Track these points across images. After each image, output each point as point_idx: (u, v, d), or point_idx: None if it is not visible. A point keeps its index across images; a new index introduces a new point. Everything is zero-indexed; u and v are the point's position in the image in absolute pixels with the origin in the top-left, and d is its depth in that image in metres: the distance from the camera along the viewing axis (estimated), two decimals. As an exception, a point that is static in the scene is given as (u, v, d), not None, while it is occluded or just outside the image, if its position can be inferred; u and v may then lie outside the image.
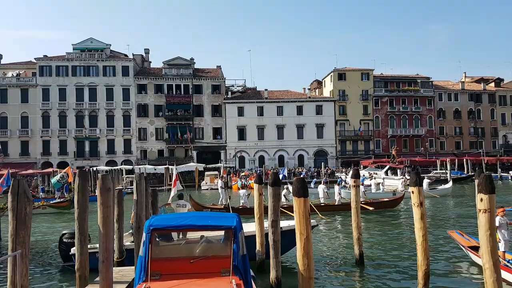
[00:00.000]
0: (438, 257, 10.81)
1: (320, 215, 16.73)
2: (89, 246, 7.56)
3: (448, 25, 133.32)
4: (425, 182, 29.18)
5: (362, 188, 22.02)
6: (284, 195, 20.65)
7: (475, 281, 8.85)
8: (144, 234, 5.58)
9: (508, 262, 8.41)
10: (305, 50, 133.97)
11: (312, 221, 8.30)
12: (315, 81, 69.51)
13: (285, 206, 17.47)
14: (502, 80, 66.00)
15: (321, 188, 21.99)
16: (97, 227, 6.85)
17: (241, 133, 56.58)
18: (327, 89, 62.34)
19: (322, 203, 20.65)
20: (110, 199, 7.04)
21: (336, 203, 21.00)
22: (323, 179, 33.50)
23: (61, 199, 25.67)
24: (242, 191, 21.38)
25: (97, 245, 7.19)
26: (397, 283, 8.92)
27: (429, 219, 17.86)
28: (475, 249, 9.91)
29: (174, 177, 14.98)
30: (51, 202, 24.45)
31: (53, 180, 25.87)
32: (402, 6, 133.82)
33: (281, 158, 57.02)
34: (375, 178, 31.93)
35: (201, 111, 56.17)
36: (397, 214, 20.21)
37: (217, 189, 42.31)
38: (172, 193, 14.55)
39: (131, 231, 11.45)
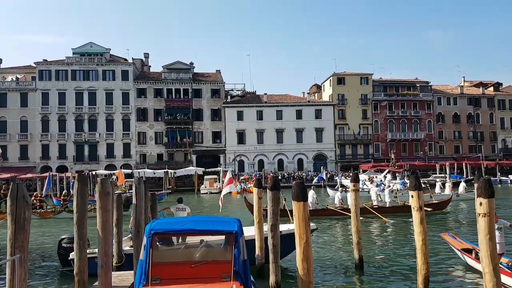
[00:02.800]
0: (440, 261, 10.79)
1: (384, 218, 17.93)
2: (88, 251, 7.54)
3: (447, 30, 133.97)
4: (462, 185, 29.12)
5: None
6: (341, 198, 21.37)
7: (475, 286, 8.82)
8: (144, 238, 5.57)
9: (500, 264, 8.40)
10: (304, 54, 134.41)
11: (311, 224, 8.29)
12: (314, 85, 69.65)
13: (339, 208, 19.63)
14: (501, 84, 66.16)
15: (373, 190, 22.45)
16: (96, 232, 6.84)
17: (241, 137, 56.58)
18: (326, 93, 62.46)
19: (375, 205, 20.88)
20: (109, 203, 7.03)
21: (387, 205, 21.43)
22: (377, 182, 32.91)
23: None
24: None
25: (96, 250, 7.16)
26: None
27: (463, 222, 18.20)
28: (468, 251, 9.97)
29: (228, 177, 14.51)
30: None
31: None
32: (401, 12, 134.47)
33: (280, 162, 57.00)
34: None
35: (201, 115, 56.21)
36: (446, 215, 20.67)
37: (217, 193, 42.52)
38: (224, 192, 14.24)
39: (130, 235, 11.42)
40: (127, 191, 30.67)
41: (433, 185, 28.95)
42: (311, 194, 20.47)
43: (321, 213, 19.81)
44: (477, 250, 9.55)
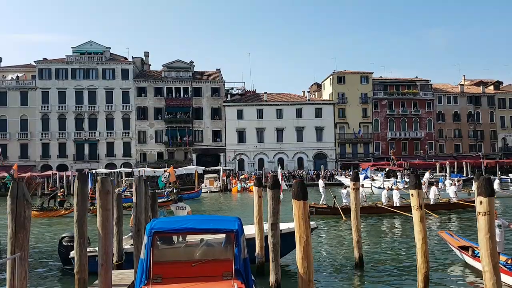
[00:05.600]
0: (441, 260, 10.80)
1: (435, 215, 18.22)
2: (88, 249, 7.54)
3: (447, 28, 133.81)
4: (496, 182, 28.94)
5: (454, 188, 22.48)
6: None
7: (474, 285, 8.83)
8: (145, 237, 5.56)
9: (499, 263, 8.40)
10: (305, 53, 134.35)
11: (311, 223, 8.28)
12: (314, 84, 69.61)
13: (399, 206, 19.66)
14: (501, 83, 66.16)
15: (432, 190, 22.41)
16: (97, 230, 6.84)
17: (241, 136, 56.56)
18: (327, 92, 62.42)
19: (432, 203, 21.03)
20: (110, 202, 7.02)
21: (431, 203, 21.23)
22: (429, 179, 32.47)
23: (162, 198, 25.89)
24: (344, 191, 20.82)
25: (97, 248, 7.16)
26: (396, 287, 8.90)
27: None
28: (465, 249, 10.01)
29: (279, 173, 14.23)
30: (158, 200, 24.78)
31: (159, 179, 29.57)
32: (402, 10, 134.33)
33: (280, 161, 56.90)
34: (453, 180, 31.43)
35: (201, 114, 56.20)
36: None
37: (217, 191, 42.58)
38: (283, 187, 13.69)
39: (130, 234, 11.43)
40: (178, 188, 30.59)
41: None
42: (359, 191, 20.46)
43: (370, 211, 19.82)
44: (474, 247, 9.58)
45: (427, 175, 34.39)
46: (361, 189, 20.57)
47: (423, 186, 22.30)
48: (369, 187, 31.86)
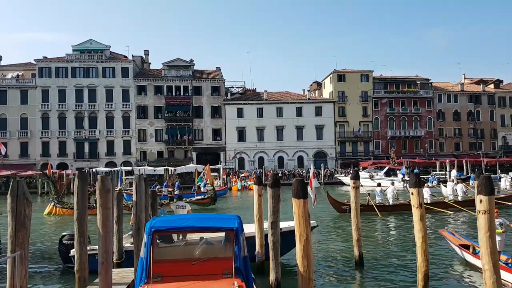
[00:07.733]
0: (441, 258, 10.81)
1: (470, 211, 18.06)
2: (88, 248, 7.55)
3: (447, 29, 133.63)
4: None
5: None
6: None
7: (474, 283, 8.84)
8: (145, 236, 5.57)
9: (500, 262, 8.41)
10: (305, 52, 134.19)
11: (311, 222, 8.29)
12: (314, 82, 69.53)
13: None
14: (502, 81, 66.09)
15: (449, 185, 22.73)
16: (97, 229, 6.84)
17: (241, 135, 56.57)
18: (327, 90, 62.37)
19: (451, 200, 21.21)
20: (110, 200, 7.02)
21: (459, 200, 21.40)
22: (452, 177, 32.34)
23: (201, 196, 26.56)
24: (378, 188, 20.89)
25: (97, 247, 7.17)
26: (396, 285, 8.91)
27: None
28: (466, 247, 10.05)
29: (310, 175, 13.84)
30: (194, 198, 25.23)
31: (199, 178, 31.75)
32: (402, 11, 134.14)
33: (280, 160, 57.01)
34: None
35: (201, 113, 56.18)
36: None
37: (217, 191, 42.53)
38: (311, 194, 12.41)
39: (130, 232, 11.43)
40: (213, 186, 30.88)
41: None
42: (391, 189, 20.82)
43: (402, 208, 19.85)
44: (475, 246, 9.59)
45: (454, 172, 34.38)
46: (392, 187, 21.03)
47: (452, 183, 22.80)
48: (401, 185, 32.12)
